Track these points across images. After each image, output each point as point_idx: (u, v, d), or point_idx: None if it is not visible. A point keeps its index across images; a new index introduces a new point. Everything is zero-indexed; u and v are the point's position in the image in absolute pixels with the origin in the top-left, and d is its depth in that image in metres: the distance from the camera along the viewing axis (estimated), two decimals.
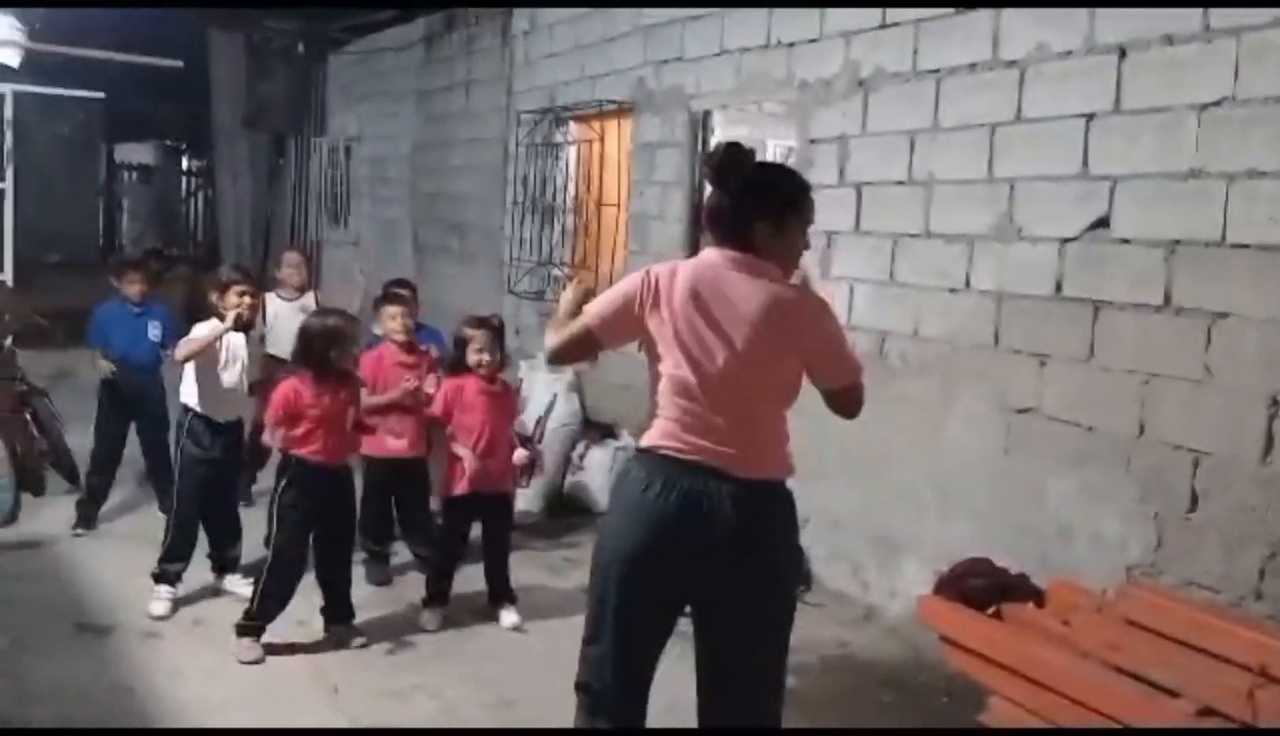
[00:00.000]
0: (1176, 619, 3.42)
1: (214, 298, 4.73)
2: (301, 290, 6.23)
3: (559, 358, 2.82)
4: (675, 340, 2.60)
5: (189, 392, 4.66)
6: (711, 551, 2.56)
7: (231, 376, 4.68)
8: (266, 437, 4.37)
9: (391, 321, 5.08)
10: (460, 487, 4.56)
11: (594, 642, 2.69)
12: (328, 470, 4.20)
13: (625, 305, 2.66)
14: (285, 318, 5.92)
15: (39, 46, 8.18)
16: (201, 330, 4.62)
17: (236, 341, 4.70)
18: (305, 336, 4.27)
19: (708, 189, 2.84)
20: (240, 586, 4.65)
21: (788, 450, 2.72)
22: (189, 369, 4.62)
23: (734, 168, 2.67)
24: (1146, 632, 3.45)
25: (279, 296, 6.15)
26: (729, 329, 2.58)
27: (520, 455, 4.72)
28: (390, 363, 5.02)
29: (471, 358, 4.59)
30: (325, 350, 4.21)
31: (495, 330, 4.67)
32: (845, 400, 2.76)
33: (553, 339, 2.75)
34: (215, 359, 4.62)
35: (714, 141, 8.25)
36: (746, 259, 2.63)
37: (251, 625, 4.15)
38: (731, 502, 2.54)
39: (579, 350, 2.77)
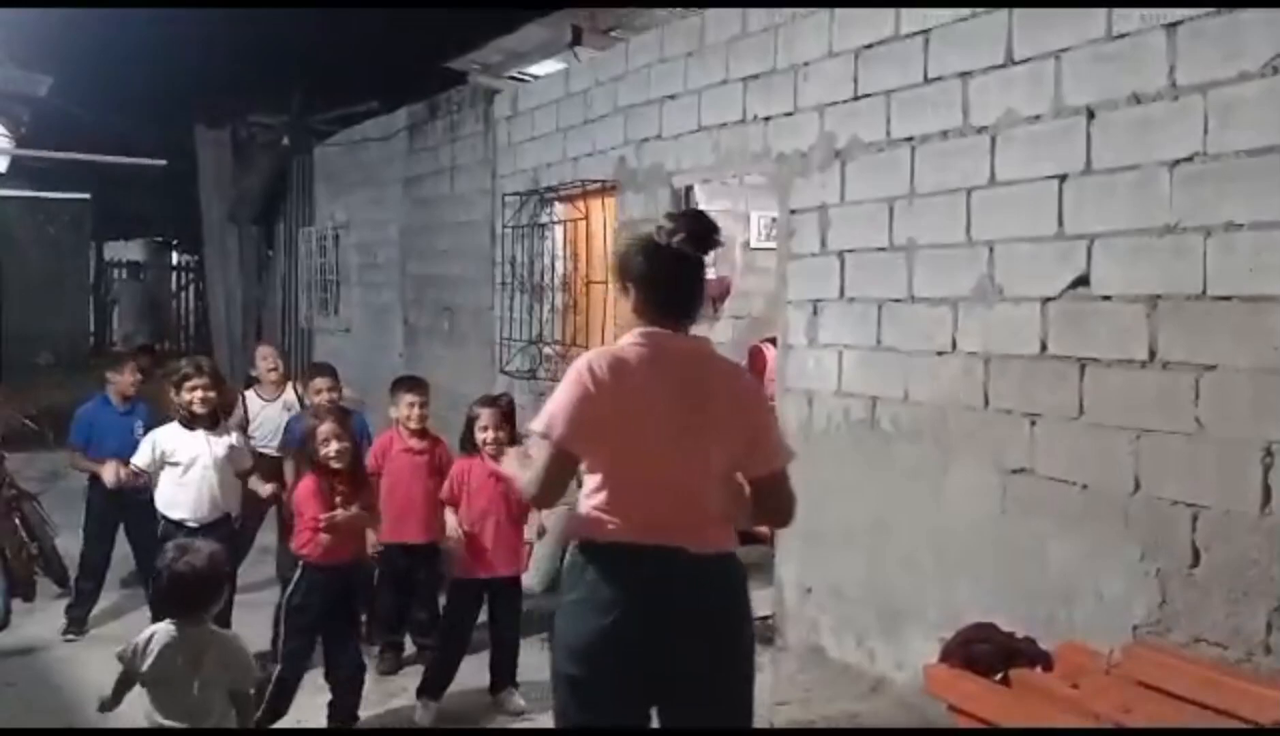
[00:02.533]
0: (1186, 678, 3.37)
1: (171, 394, 4.74)
2: (280, 384, 6.16)
3: (548, 496, 2.60)
4: (633, 428, 2.52)
5: (158, 496, 4.64)
6: (680, 630, 2.52)
7: (196, 477, 4.63)
8: (294, 545, 4.25)
9: (407, 409, 5.08)
10: (468, 572, 4.51)
11: None
12: (337, 569, 4.14)
13: (586, 411, 2.49)
14: (267, 415, 5.92)
15: (25, 153, 8.27)
16: (150, 452, 4.66)
17: (194, 441, 4.65)
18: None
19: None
20: None
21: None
22: (161, 475, 4.62)
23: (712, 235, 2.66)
24: (1157, 693, 3.39)
25: (259, 395, 6.10)
26: (701, 415, 2.56)
27: (531, 531, 4.66)
28: (398, 449, 5.01)
29: (479, 436, 4.55)
30: (311, 450, 4.20)
31: (504, 410, 4.65)
32: (778, 492, 2.67)
33: (531, 482, 2.57)
34: (169, 464, 4.63)
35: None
36: (703, 342, 2.69)
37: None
38: (693, 580, 2.53)
39: (562, 478, 2.56)
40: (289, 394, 6.05)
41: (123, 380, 5.65)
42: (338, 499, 4.12)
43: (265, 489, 5.11)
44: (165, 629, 3.16)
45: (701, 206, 8.47)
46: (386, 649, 5.08)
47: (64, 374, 10.81)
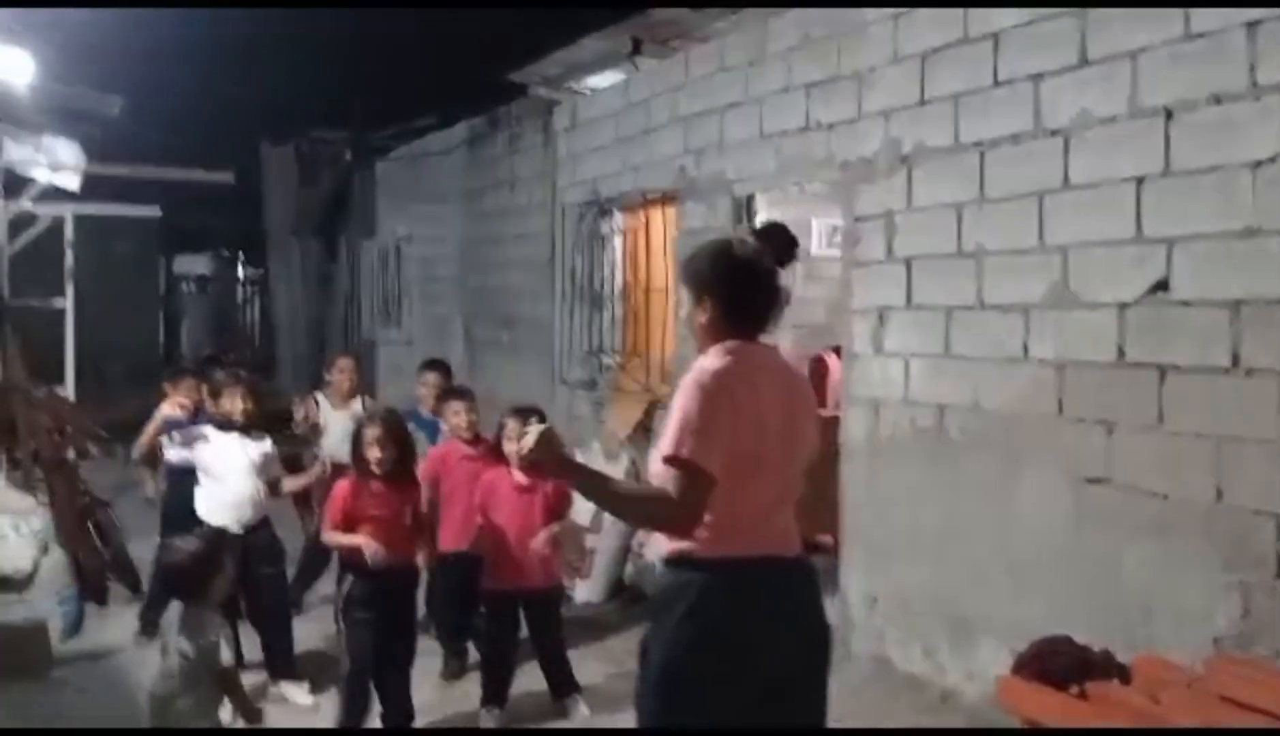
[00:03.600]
0: (1271, 691, 3.26)
1: (210, 405, 4.85)
2: (351, 395, 6.23)
3: (699, 520, 2.44)
4: (744, 442, 2.48)
5: (198, 503, 4.71)
6: (784, 636, 2.56)
7: (233, 483, 4.69)
8: (326, 539, 4.34)
9: (456, 418, 5.11)
10: (495, 583, 4.51)
11: None
12: (386, 572, 4.16)
13: (725, 431, 2.43)
14: (335, 422, 6.01)
15: (97, 169, 8.47)
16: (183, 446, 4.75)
17: (232, 447, 4.72)
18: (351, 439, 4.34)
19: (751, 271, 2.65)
20: (295, 693, 4.62)
21: None
22: (201, 482, 4.70)
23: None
24: (1242, 708, 3.29)
25: (325, 398, 6.21)
26: (797, 424, 2.62)
27: (540, 541, 4.51)
28: (457, 458, 5.03)
29: (507, 447, 4.53)
30: (355, 449, 4.24)
31: (536, 420, 4.62)
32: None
33: (673, 512, 2.43)
34: (207, 468, 4.71)
35: (756, 224, 8.35)
36: (775, 348, 2.74)
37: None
38: (797, 584, 2.60)
39: (705, 502, 2.43)
40: (358, 405, 6.12)
41: (175, 397, 5.74)
42: (368, 500, 4.17)
43: (294, 482, 5.14)
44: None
45: (761, 214, 8.49)
46: (450, 654, 5.11)
47: (135, 386, 11.03)
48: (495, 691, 4.53)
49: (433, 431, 5.63)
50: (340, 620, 4.21)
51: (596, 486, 2.57)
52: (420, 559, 4.46)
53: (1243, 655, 3.55)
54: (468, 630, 5.19)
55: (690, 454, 2.39)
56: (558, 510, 4.60)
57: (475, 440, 5.10)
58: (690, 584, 2.49)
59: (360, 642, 4.14)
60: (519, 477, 4.49)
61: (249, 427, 4.81)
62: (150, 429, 4.93)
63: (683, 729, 2.54)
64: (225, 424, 4.77)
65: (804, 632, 2.61)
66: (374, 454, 4.15)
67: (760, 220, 7.85)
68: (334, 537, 4.26)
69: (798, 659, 2.60)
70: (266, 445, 4.83)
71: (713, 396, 2.43)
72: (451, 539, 4.92)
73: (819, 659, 2.68)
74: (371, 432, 4.19)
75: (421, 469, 4.96)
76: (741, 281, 2.56)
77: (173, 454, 4.83)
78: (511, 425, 4.52)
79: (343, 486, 4.23)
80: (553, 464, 2.48)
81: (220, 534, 3.49)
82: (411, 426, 5.59)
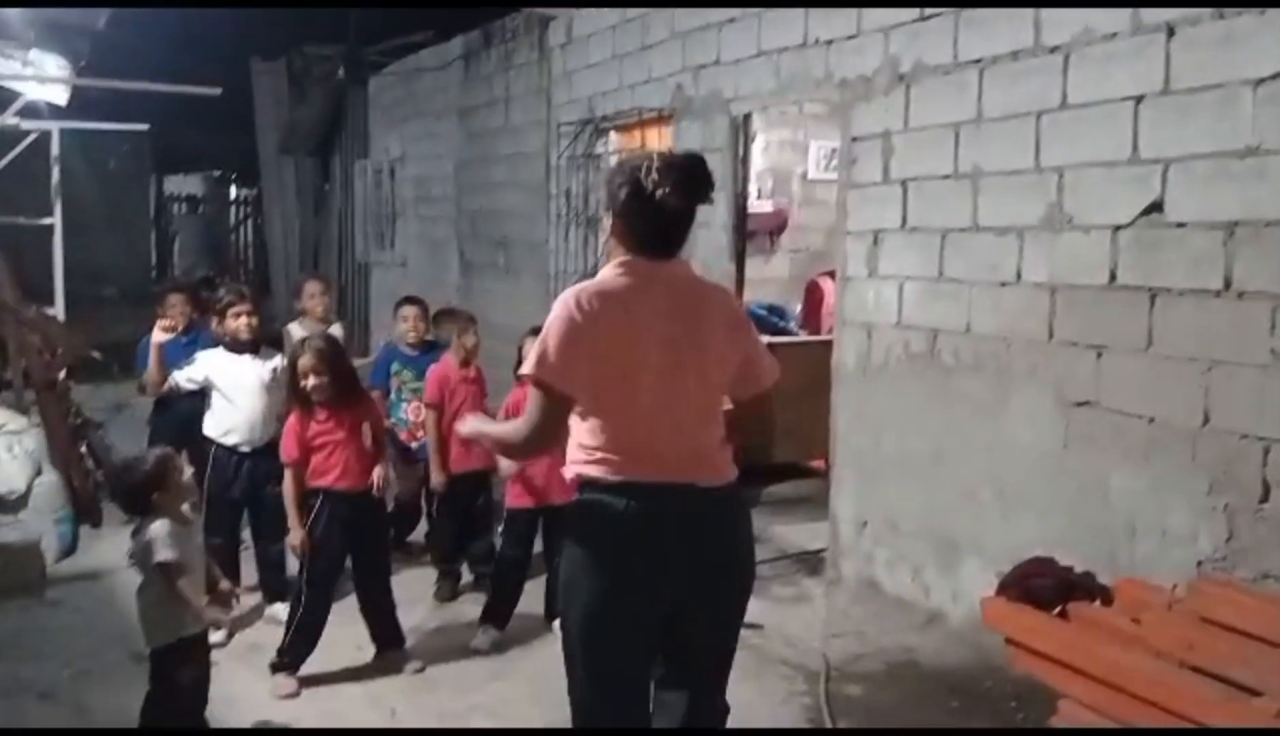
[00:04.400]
0: (1253, 614, 3.29)
1: (214, 324, 4.79)
2: (325, 321, 6.06)
3: (548, 442, 2.53)
4: (629, 360, 2.45)
5: (208, 423, 4.69)
6: (694, 566, 2.49)
7: (244, 402, 4.67)
8: (285, 491, 4.23)
9: (458, 339, 5.12)
10: (520, 501, 4.53)
11: (600, 697, 2.56)
12: (352, 496, 4.15)
13: (577, 349, 2.41)
14: None
15: (83, 82, 8.32)
16: (192, 369, 4.72)
17: (241, 366, 4.69)
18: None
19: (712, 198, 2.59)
20: (284, 614, 4.66)
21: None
22: (211, 401, 4.67)
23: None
24: (1222, 629, 3.31)
25: (300, 326, 6.10)
26: (695, 341, 2.51)
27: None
28: (456, 380, 5.07)
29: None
30: (294, 382, 4.19)
31: (469, 315, 4.64)
32: (764, 414, 2.71)
33: (522, 434, 2.51)
34: (224, 386, 4.68)
35: (754, 146, 8.23)
36: (685, 264, 2.64)
37: (285, 660, 4.13)
38: (708, 513, 2.51)
39: (561, 422, 2.49)
40: (336, 330, 6.06)
41: (172, 313, 5.69)
42: (317, 428, 4.14)
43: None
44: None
45: (759, 136, 8.37)
46: (444, 576, 5.15)
47: (128, 307, 10.99)
48: (499, 611, 4.56)
49: (418, 367, 5.58)
50: (308, 548, 4.16)
51: (488, 434, 2.75)
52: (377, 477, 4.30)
53: (1225, 578, 3.57)
54: (463, 552, 5.24)
55: (537, 372, 2.43)
56: None
57: (467, 363, 5.09)
58: (586, 506, 2.50)
59: (323, 572, 4.14)
60: (463, 371, 4.52)
61: (257, 344, 4.78)
62: (153, 364, 4.82)
63: (585, 648, 2.52)
64: (233, 343, 4.73)
65: (706, 565, 2.50)
66: (310, 382, 4.11)
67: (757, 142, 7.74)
68: (287, 499, 4.20)
69: (697, 590, 2.51)
70: (276, 361, 4.79)
71: (569, 314, 2.43)
72: (452, 461, 4.98)
73: (723, 592, 2.58)
74: (305, 362, 4.13)
75: (425, 393, 5.09)
76: (642, 213, 2.49)
77: (181, 379, 4.76)
78: (528, 342, 4.52)
79: (291, 421, 4.21)
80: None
81: (169, 456, 3.50)
82: (395, 366, 5.60)
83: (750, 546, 2.65)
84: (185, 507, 3.49)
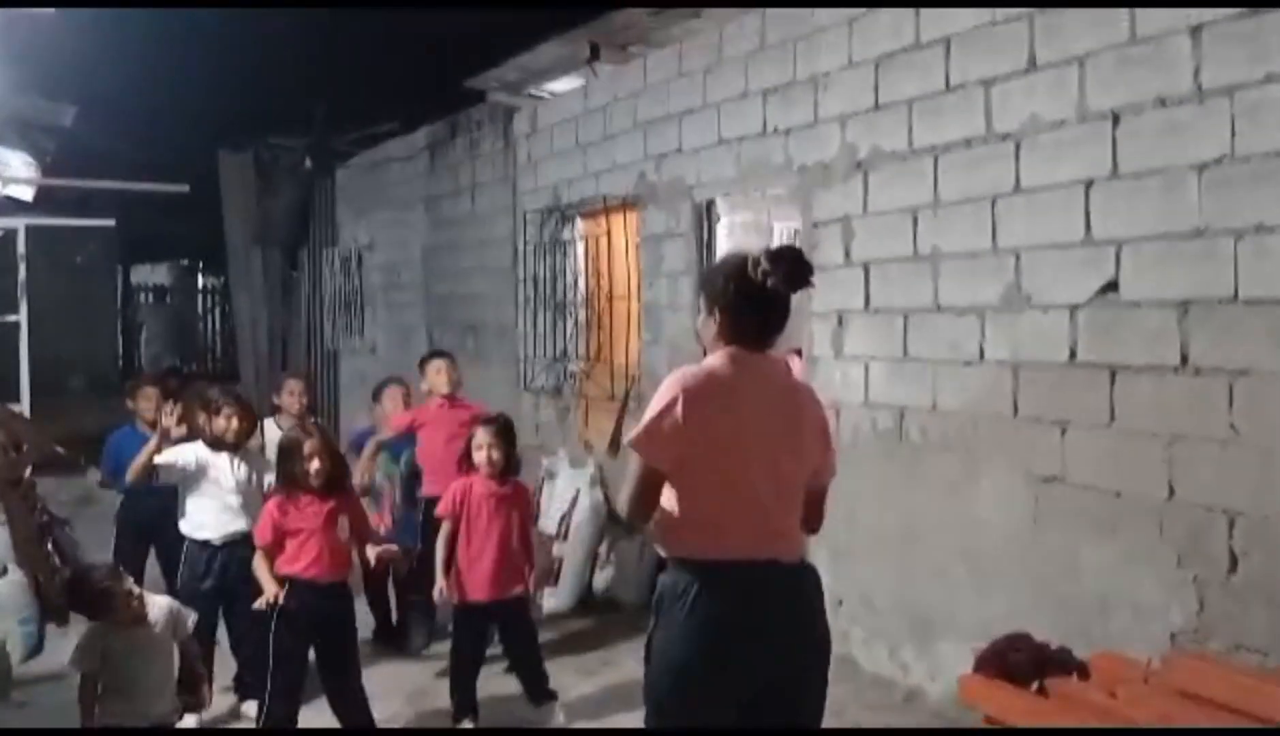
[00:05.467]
0: (1227, 686, 3.32)
1: (202, 421, 4.78)
2: (301, 418, 6.11)
3: (644, 510, 2.62)
4: (729, 443, 2.60)
5: (184, 521, 4.67)
6: (784, 638, 2.63)
7: (220, 498, 4.65)
8: (256, 563, 4.20)
9: (438, 375, 5.24)
10: (466, 596, 4.48)
11: None
12: (321, 587, 4.13)
13: (677, 426, 2.57)
14: None
15: (50, 181, 8.37)
16: (175, 456, 4.67)
17: (222, 463, 4.69)
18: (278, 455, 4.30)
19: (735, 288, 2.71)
20: (252, 709, 4.59)
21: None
22: (186, 497, 4.64)
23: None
24: (1198, 702, 3.34)
25: (277, 424, 6.09)
26: (790, 431, 2.68)
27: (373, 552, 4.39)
28: (433, 408, 5.20)
29: (475, 456, 4.52)
30: (285, 465, 4.20)
31: (501, 428, 4.60)
32: (822, 504, 2.86)
33: (626, 499, 2.63)
34: (200, 482, 4.66)
35: (718, 228, 8.36)
36: (780, 361, 2.81)
37: None
38: (793, 590, 2.66)
39: (654, 491, 2.62)
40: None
41: (146, 406, 5.68)
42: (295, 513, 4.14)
43: None
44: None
45: (723, 219, 8.50)
46: (419, 614, 5.25)
47: (94, 398, 10.89)
48: (464, 703, 4.50)
49: (396, 452, 5.58)
50: (271, 635, 4.12)
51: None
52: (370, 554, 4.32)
53: (1198, 651, 3.61)
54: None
55: (634, 442, 2.59)
56: (526, 520, 4.62)
57: (452, 398, 5.23)
58: (687, 584, 2.60)
59: (286, 658, 4.10)
60: (492, 485, 4.48)
61: (238, 447, 4.78)
62: (142, 459, 4.79)
63: (677, 725, 2.63)
64: (217, 443, 4.72)
65: (798, 637, 2.66)
66: (314, 465, 4.11)
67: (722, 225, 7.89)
68: (259, 568, 4.16)
69: (791, 662, 2.65)
70: (253, 461, 4.80)
71: (675, 392, 2.58)
72: (439, 487, 4.90)
73: (814, 664, 2.72)
74: (313, 445, 4.15)
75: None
76: (749, 299, 2.66)
77: (176, 461, 4.74)
78: (481, 434, 4.52)
79: (270, 505, 4.20)
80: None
81: (116, 568, 3.60)
82: (382, 458, 5.62)
83: (824, 613, 2.79)
84: (144, 612, 3.52)
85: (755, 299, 2.66)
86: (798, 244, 6.23)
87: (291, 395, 6.09)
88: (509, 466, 4.57)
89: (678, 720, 2.64)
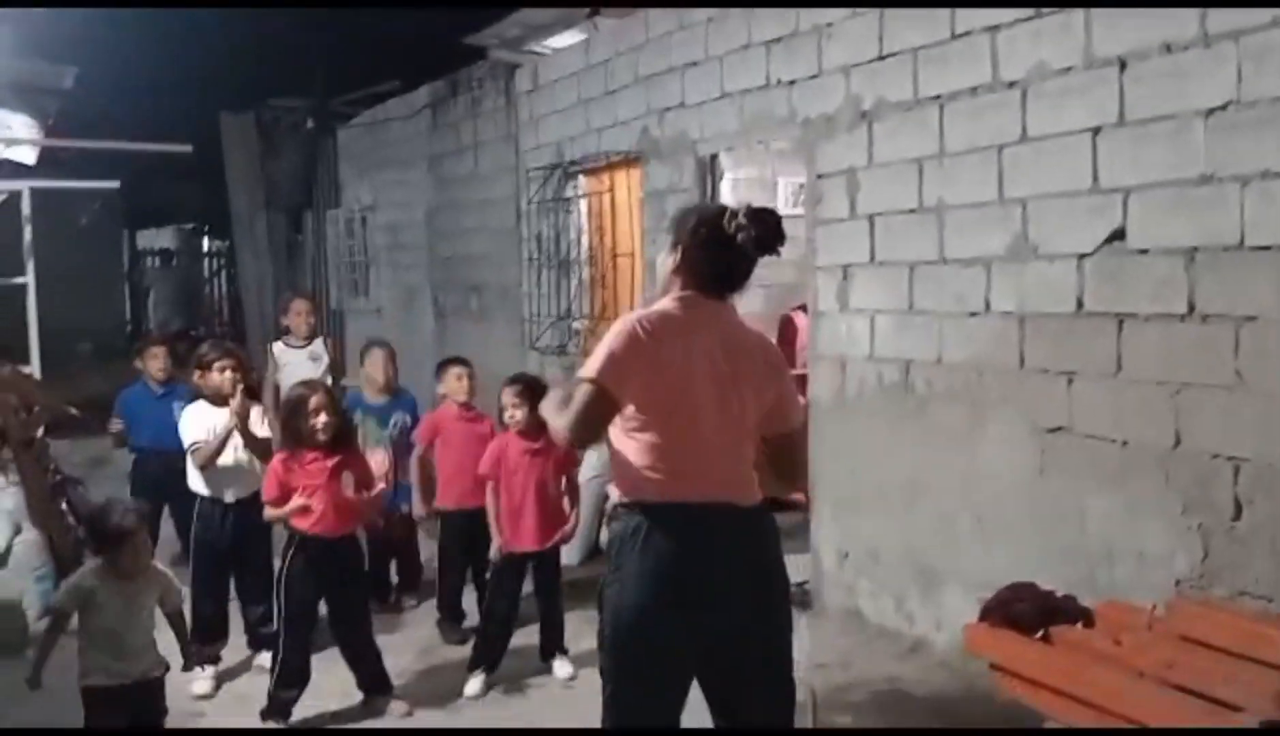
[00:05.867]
0: (1231, 631, 3.34)
1: (196, 377, 4.78)
2: (310, 337, 6.18)
3: (585, 433, 2.61)
4: (680, 386, 2.59)
5: (192, 477, 4.68)
6: (737, 579, 2.60)
7: (230, 453, 4.65)
8: (267, 513, 4.27)
9: (458, 382, 5.20)
10: (507, 547, 4.53)
11: (639, 716, 2.64)
12: (329, 542, 4.16)
13: (632, 358, 2.56)
14: (295, 364, 5.98)
15: (52, 142, 8.35)
16: (199, 429, 4.63)
17: (224, 418, 4.66)
18: (280, 412, 4.31)
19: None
20: (266, 662, 4.65)
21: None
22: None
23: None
24: (1202, 647, 3.37)
25: (287, 344, 6.14)
26: (739, 375, 2.65)
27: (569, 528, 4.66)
28: (451, 419, 5.15)
29: (505, 417, 4.60)
30: (291, 422, 4.21)
31: (524, 387, 4.63)
32: (794, 451, 2.88)
33: (569, 419, 2.58)
34: (206, 437, 4.65)
35: (722, 184, 8.32)
36: (732, 307, 2.75)
37: (275, 706, 4.13)
38: (748, 533, 2.63)
39: (601, 418, 2.60)
40: (317, 346, 6.07)
41: (155, 365, 5.70)
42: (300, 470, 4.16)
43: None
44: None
45: (727, 175, 8.46)
46: (447, 618, 5.15)
47: (103, 362, 10.94)
48: (491, 656, 4.56)
49: (384, 417, 5.60)
50: (278, 590, 4.18)
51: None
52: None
53: (1202, 597, 3.63)
54: (461, 591, 5.23)
55: (594, 373, 2.55)
56: (566, 469, 4.65)
57: (469, 405, 5.16)
58: (637, 526, 2.59)
59: (296, 611, 4.15)
60: (525, 442, 4.52)
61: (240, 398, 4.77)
62: (215, 445, 4.64)
63: (636, 670, 2.61)
64: (217, 398, 4.73)
65: (754, 581, 2.64)
66: (320, 420, 4.14)
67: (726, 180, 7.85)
68: (269, 512, 4.23)
69: (748, 606, 2.62)
70: (256, 415, 4.80)
71: (627, 332, 2.57)
72: (452, 497, 5.05)
73: (772, 607, 2.69)
74: (319, 400, 4.17)
75: (418, 430, 5.21)
76: (715, 246, 2.65)
77: (200, 438, 4.75)
78: (508, 395, 4.58)
79: (274, 463, 4.23)
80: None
81: (140, 520, 3.62)
82: (359, 414, 5.57)
83: (782, 560, 2.76)
84: (145, 568, 3.60)
85: (721, 247, 2.64)
86: (803, 197, 6.21)
87: (299, 316, 6.15)
88: (538, 422, 4.60)
89: (634, 671, 2.61)
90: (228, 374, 4.68)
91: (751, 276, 2.73)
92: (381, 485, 4.58)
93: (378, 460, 5.42)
